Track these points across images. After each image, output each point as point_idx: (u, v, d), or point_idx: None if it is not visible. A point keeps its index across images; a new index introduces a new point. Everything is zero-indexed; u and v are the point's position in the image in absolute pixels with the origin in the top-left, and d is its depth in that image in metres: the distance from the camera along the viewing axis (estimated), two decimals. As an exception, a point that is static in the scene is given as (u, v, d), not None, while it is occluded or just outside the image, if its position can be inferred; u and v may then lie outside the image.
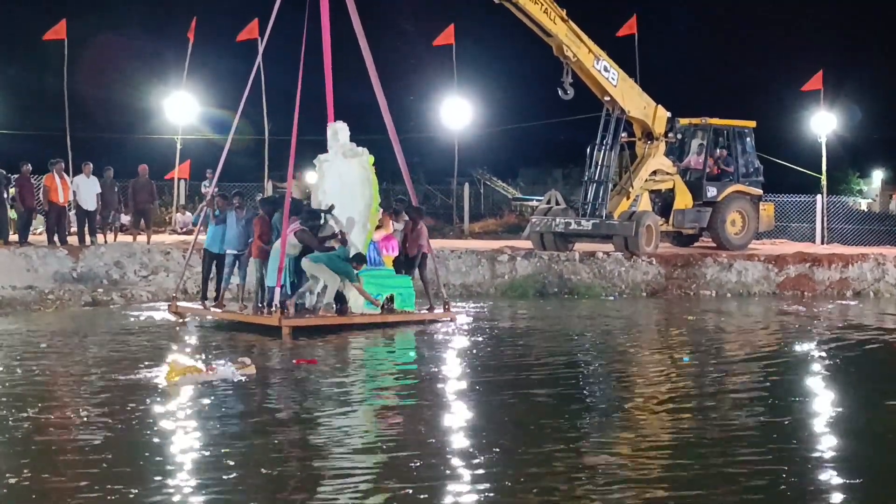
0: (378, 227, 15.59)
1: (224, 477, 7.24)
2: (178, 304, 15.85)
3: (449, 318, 15.67)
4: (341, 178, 15.23)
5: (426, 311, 15.87)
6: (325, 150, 15.55)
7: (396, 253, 15.96)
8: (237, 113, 16.34)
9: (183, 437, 8.34)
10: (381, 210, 15.64)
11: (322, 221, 14.92)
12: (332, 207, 14.94)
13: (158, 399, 9.69)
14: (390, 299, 15.31)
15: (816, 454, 8.04)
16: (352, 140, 15.52)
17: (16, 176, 20.19)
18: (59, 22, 24.57)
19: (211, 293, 16.09)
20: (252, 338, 13.78)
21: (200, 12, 27.61)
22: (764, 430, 8.77)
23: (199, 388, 10.16)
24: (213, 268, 15.90)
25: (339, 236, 14.65)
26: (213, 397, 9.82)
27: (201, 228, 16.92)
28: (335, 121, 15.66)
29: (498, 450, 8.05)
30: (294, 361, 12.01)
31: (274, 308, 14.27)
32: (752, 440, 8.46)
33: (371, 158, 15.45)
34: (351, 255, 14.42)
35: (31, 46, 32.29)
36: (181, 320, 15.42)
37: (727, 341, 14.61)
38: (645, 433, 8.73)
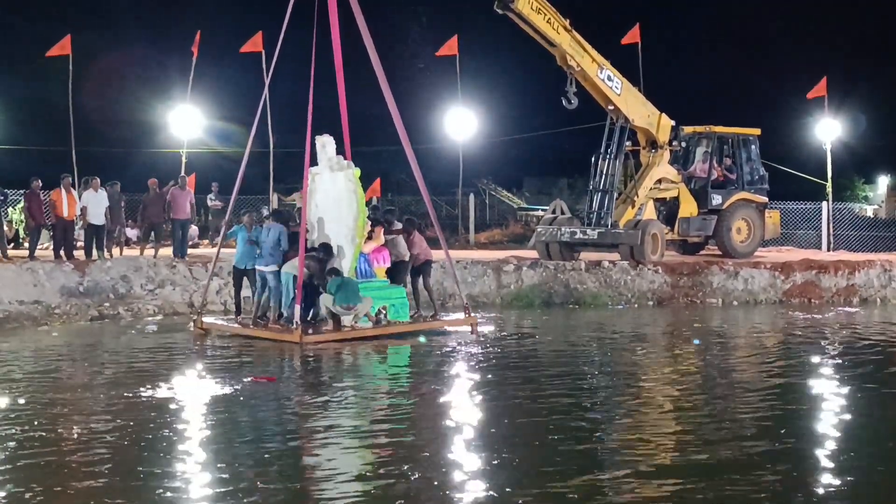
0: (368, 239, 15.60)
1: (220, 490, 7.24)
2: (203, 319, 15.76)
3: (470, 325, 15.66)
4: (327, 192, 15.36)
5: (445, 318, 16.08)
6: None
7: (388, 264, 16.00)
8: (252, 129, 16.36)
9: (184, 453, 8.32)
10: (370, 222, 15.63)
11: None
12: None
13: (161, 414, 9.67)
14: (383, 311, 15.29)
15: (828, 474, 8.01)
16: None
17: (24, 192, 20.21)
18: (63, 38, 24.68)
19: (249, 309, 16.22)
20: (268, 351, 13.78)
21: (204, 26, 27.81)
22: (779, 453, 8.62)
23: (204, 402, 10.17)
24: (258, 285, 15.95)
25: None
26: (217, 413, 9.82)
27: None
28: (346, 133, 15.79)
29: (497, 461, 8.04)
30: (252, 379, 11.60)
31: (295, 325, 14.27)
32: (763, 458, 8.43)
33: (357, 171, 15.41)
34: (328, 270, 14.59)
35: (36, 62, 32.40)
36: (204, 334, 15.34)
37: (736, 349, 14.58)
38: (663, 455, 8.57)
